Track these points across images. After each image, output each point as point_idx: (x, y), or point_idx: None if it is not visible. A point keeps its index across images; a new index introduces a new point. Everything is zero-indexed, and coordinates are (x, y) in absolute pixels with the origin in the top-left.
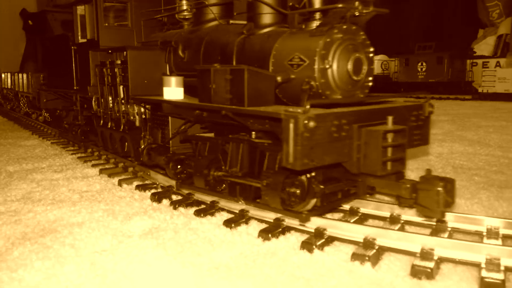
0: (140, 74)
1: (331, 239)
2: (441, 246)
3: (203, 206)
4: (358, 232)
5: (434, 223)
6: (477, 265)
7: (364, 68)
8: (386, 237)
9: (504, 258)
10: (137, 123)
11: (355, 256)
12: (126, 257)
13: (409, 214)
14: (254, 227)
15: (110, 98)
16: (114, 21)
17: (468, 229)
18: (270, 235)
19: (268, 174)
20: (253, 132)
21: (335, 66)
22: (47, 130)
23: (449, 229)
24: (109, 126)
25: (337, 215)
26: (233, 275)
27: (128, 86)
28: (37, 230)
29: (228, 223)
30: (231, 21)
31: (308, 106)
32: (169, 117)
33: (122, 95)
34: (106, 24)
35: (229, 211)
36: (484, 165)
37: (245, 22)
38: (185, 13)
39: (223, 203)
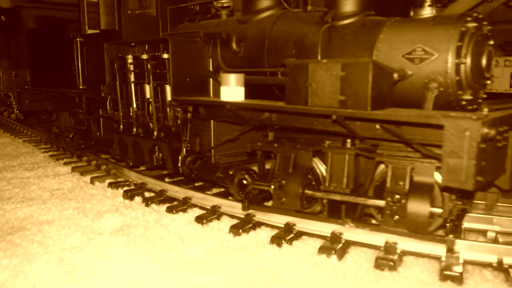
0: (182, 70)
1: (300, 234)
2: (404, 240)
3: (175, 202)
4: (326, 227)
5: None
6: (438, 258)
7: (493, 64)
8: (352, 231)
9: (464, 252)
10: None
11: (322, 250)
12: (95, 253)
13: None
14: (226, 223)
15: (134, 99)
16: (136, 8)
17: None
18: (240, 231)
19: (409, 192)
20: (349, 141)
21: (468, 60)
22: (19, 128)
23: None
24: (134, 133)
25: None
26: (202, 269)
27: (164, 85)
28: (5, 228)
29: (199, 219)
30: (309, 8)
31: (486, 110)
32: (211, 122)
33: (158, 96)
34: (129, 12)
35: (201, 207)
36: None
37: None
38: (224, 1)
39: (195, 199)
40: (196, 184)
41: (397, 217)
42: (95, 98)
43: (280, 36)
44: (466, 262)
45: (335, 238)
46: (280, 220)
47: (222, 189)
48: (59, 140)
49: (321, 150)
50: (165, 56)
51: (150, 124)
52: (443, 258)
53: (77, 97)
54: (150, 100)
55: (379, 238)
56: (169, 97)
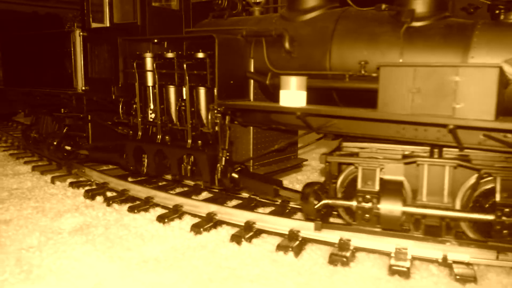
0: (226, 72)
1: (259, 232)
2: (358, 237)
3: (137, 202)
4: (284, 225)
5: None
6: (387, 254)
7: None
8: (309, 229)
9: (411, 248)
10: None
11: (279, 247)
12: (53, 253)
13: None
14: (188, 221)
15: (159, 103)
16: (156, 1)
17: None
18: (202, 229)
19: None
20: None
21: None
22: None
23: None
24: (159, 141)
25: (268, 209)
26: (161, 267)
27: (198, 88)
28: None
29: (161, 218)
30: (383, 6)
31: None
32: (251, 129)
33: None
34: (157, 4)
35: (164, 207)
36: None
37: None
38: None
39: (158, 198)
40: (160, 184)
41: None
42: (98, 101)
43: (347, 36)
44: (414, 258)
45: (292, 235)
46: (241, 218)
47: (186, 188)
48: (39, 147)
49: (416, 161)
50: (201, 55)
51: (185, 131)
52: (393, 254)
53: (74, 99)
54: (182, 104)
55: (334, 236)
56: (203, 101)
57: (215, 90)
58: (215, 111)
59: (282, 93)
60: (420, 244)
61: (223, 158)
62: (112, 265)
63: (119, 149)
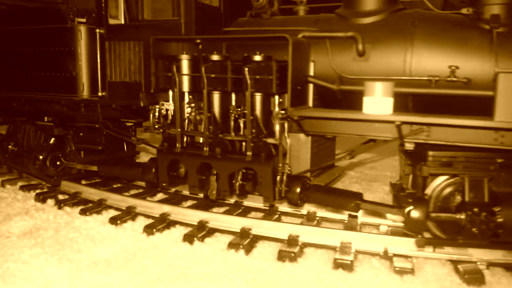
0: (296, 76)
1: (212, 231)
2: (306, 233)
3: (90, 204)
4: (236, 223)
5: (305, 214)
6: (333, 249)
7: None
8: (260, 227)
9: (355, 242)
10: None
11: (231, 245)
12: (0, 256)
13: (285, 206)
14: (141, 223)
15: (205, 111)
16: None
17: (333, 218)
18: (154, 230)
19: None
20: None
21: None
22: None
23: (318, 218)
24: (206, 154)
25: (223, 209)
26: (111, 268)
27: (259, 94)
28: None
29: (113, 220)
30: (470, 10)
31: None
32: (309, 138)
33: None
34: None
35: (117, 209)
36: None
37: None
38: None
39: (111, 200)
40: (114, 186)
41: None
42: (117, 109)
43: (430, 40)
44: (358, 252)
45: (244, 233)
46: (194, 218)
47: (140, 190)
48: (19, 162)
49: None
50: (258, 58)
51: (243, 143)
52: (338, 249)
53: (83, 106)
54: (236, 112)
55: (283, 232)
56: (259, 108)
57: (282, 97)
58: (288, 120)
59: (366, 100)
60: (363, 238)
61: (286, 171)
62: (61, 267)
63: (140, 164)
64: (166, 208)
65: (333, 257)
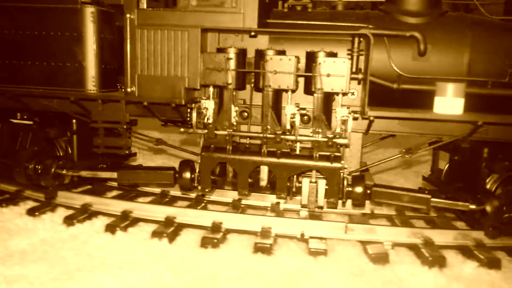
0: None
1: (136, 221)
2: (229, 220)
3: (6, 195)
4: (161, 212)
5: (231, 201)
6: (254, 234)
7: None
8: (185, 215)
9: (275, 227)
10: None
11: (154, 234)
12: None
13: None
14: (60, 214)
15: (264, 110)
16: None
17: (257, 205)
18: (75, 221)
19: None
20: None
21: None
22: None
23: (243, 205)
24: (278, 160)
25: (149, 199)
26: (27, 260)
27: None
28: None
29: (32, 212)
30: None
31: None
32: (361, 135)
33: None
34: None
35: (35, 200)
36: None
37: None
38: None
39: (29, 191)
40: None
41: None
42: (148, 107)
43: (488, 43)
44: (277, 236)
45: (168, 222)
46: (118, 208)
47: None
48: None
49: None
50: (323, 54)
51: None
52: (259, 234)
53: (101, 103)
54: (303, 111)
55: (208, 220)
56: (321, 107)
57: (364, 96)
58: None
59: (438, 100)
60: (283, 223)
61: (346, 171)
62: None
63: (164, 168)
64: (88, 199)
65: (254, 242)
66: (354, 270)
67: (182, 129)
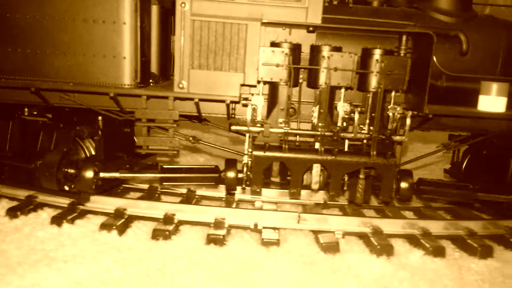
0: (426, 73)
1: (84, 213)
2: (182, 211)
3: None
4: (111, 204)
5: (184, 192)
6: (207, 225)
7: None
8: (136, 207)
9: (229, 218)
10: None
11: (103, 226)
12: None
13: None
14: (4, 205)
15: (321, 108)
16: None
17: (212, 196)
18: (18, 213)
19: None
20: None
21: None
22: None
23: (197, 196)
24: (335, 157)
25: None
26: None
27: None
28: None
29: None
30: None
31: None
32: None
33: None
34: None
35: None
36: None
37: None
38: None
39: None
40: None
41: None
42: (196, 104)
43: None
44: (231, 227)
45: (118, 213)
46: (65, 200)
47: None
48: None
49: None
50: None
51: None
52: (212, 225)
53: (146, 99)
54: (359, 108)
55: (160, 211)
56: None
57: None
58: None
59: (482, 99)
60: (237, 214)
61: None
62: None
63: (206, 167)
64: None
65: (207, 233)
66: (305, 259)
67: (233, 127)
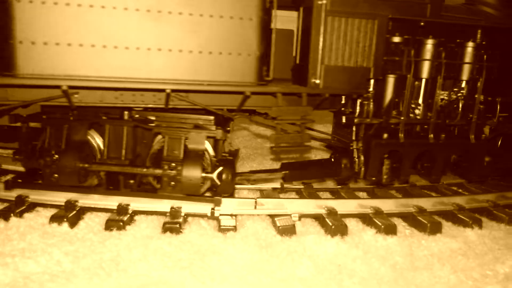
0: None
1: (33, 206)
2: (137, 201)
3: None
4: (60, 196)
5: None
6: (164, 214)
7: None
8: (88, 198)
9: (186, 206)
10: None
11: (53, 218)
12: None
13: None
14: None
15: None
16: None
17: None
18: None
19: None
20: None
21: None
22: None
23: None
24: (432, 141)
25: None
26: None
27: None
28: None
29: None
30: None
31: None
32: None
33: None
34: None
35: None
36: None
37: None
38: None
39: None
40: None
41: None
42: (327, 100)
43: None
44: (188, 215)
45: (69, 206)
46: (12, 193)
47: None
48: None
49: None
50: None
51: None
52: (168, 214)
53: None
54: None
55: (113, 202)
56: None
57: None
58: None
59: None
60: (192, 202)
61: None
62: None
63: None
64: None
65: (163, 222)
66: (262, 243)
67: (356, 120)
